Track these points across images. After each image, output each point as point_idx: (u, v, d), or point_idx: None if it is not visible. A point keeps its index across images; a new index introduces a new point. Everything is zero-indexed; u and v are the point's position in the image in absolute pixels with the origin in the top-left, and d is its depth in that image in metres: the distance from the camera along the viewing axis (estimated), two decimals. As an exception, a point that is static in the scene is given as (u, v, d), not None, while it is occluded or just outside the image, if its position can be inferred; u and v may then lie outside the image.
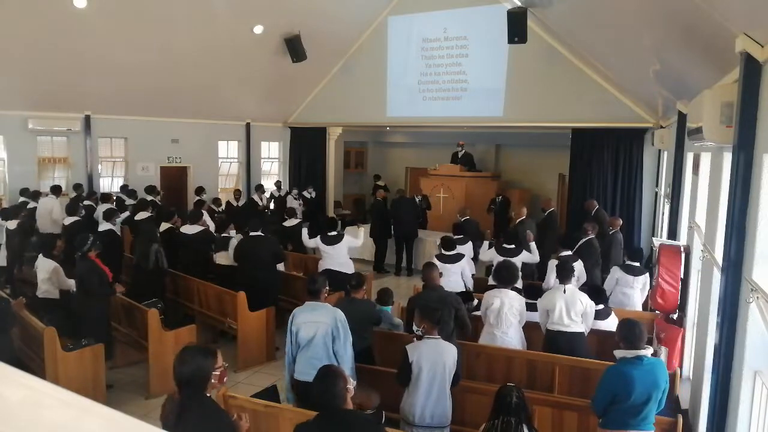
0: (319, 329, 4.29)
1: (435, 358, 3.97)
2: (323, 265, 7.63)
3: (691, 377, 5.66)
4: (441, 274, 5.58)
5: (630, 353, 3.59)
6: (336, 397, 2.91)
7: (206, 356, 2.78)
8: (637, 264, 6.81)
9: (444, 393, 4.01)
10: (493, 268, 6.19)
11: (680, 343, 5.77)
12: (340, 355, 4.28)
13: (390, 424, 4.04)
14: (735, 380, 3.55)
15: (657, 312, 6.36)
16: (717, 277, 4.11)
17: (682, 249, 6.35)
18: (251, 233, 7.20)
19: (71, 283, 6.11)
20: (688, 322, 6.13)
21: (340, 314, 4.35)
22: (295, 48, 11.18)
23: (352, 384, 3.03)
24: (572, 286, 5.31)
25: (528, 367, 5.17)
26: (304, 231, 8.08)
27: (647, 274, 6.78)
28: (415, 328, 4.20)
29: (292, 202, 12.44)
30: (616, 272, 6.79)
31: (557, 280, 5.48)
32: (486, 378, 5.17)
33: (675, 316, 6.20)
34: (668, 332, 5.78)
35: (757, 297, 3.16)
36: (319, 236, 7.75)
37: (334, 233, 7.69)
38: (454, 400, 4.12)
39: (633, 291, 6.70)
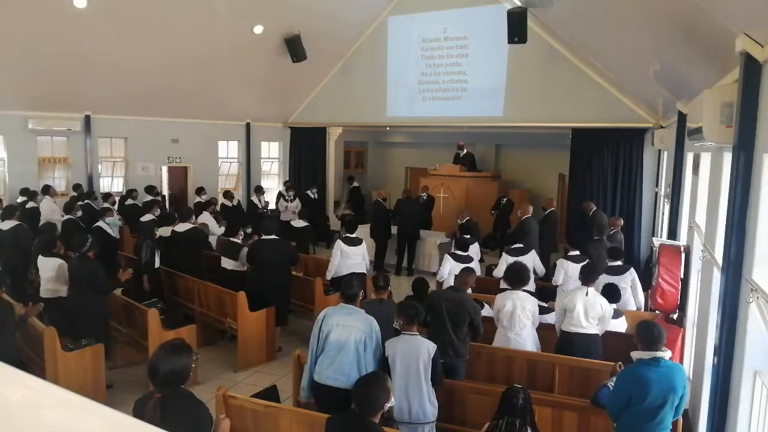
0: (353, 335, 4.10)
1: (409, 354, 3.99)
2: (343, 269, 7.37)
3: (691, 377, 5.66)
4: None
5: (647, 355, 3.51)
6: (375, 407, 2.96)
7: (189, 352, 2.83)
8: (618, 262, 6.74)
9: (419, 389, 3.98)
10: (504, 270, 6.14)
11: (680, 343, 5.77)
12: (370, 364, 4.11)
13: (388, 422, 4.05)
14: (735, 380, 3.55)
15: (657, 312, 6.36)
16: (717, 277, 4.11)
17: (682, 249, 6.35)
18: (264, 237, 7.09)
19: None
20: (688, 322, 6.12)
21: (375, 324, 4.17)
22: (295, 48, 11.18)
23: (392, 401, 3.09)
24: (594, 290, 5.28)
25: (528, 367, 5.17)
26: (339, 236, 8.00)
27: (631, 271, 6.67)
28: (396, 323, 4.21)
29: (282, 203, 12.43)
30: (600, 279, 6.59)
31: (580, 279, 5.46)
32: (486, 378, 5.17)
33: (675, 316, 6.20)
34: (668, 332, 5.75)
35: (757, 297, 3.16)
36: (339, 240, 7.65)
37: (354, 235, 7.66)
38: (453, 399, 4.11)
39: (623, 291, 6.67)
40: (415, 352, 3.99)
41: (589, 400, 3.97)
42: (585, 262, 6.22)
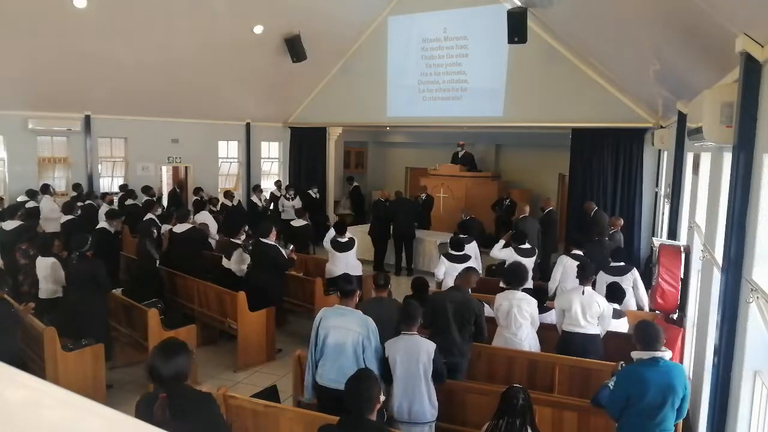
0: (350, 337, 4.10)
1: (409, 354, 4.00)
2: (335, 270, 7.48)
3: (691, 377, 5.66)
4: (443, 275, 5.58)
5: (646, 355, 3.53)
6: (367, 402, 2.92)
7: (187, 351, 2.82)
8: (621, 263, 6.72)
9: (419, 389, 4.00)
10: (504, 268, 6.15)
11: (680, 343, 5.76)
12: (371, 364, 4.10)
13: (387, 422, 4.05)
14: (735, 380, 3.55)
15: (657, 312, 6.35)
16: (717, 277, 4.11)
17: (682, 249, 6.35)
18: (262, 239, 7.06)
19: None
20: (688, 322, 6.12)
21: (372, 323, 4.17)
22: (295, 48, 11.18)
23: (383, 396, 3.06)
24: (590, 288, 5.29)
25: (528, 367, 5.17)
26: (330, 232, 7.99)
27: (633, 270, 6.63)
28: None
29: (285, 202, 12.43)
30: (602, 277, 6.59)
31: (577, 279, 5.46)
32: (487, 378, 5.17)
33: (675, 316, 6.20)
34: (668, 332, 5.76)
35: (757, 297, 3.16)
36: (330, 241, 7.72)
37: (345, 239, 7.68)
38: (454, 399, 4.11)
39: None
40: (414, 353, 4.00)
41: (589, 400, 3.96)
42: (581, 262, 6.21)
